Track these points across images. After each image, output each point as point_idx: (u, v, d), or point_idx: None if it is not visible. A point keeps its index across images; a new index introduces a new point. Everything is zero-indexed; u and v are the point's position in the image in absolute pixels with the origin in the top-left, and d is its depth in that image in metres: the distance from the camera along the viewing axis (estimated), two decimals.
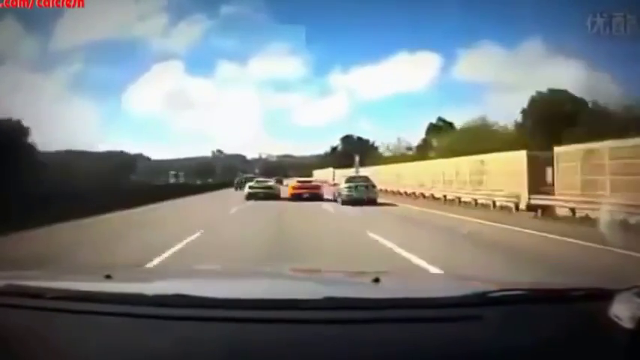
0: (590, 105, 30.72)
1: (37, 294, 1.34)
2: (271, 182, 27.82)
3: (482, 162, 22.52)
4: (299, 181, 26.68)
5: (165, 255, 7.72)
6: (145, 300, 1.32)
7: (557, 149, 17.48)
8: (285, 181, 35.25)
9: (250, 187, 25.65)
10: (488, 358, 1.14)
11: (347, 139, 69.32)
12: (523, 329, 1.20)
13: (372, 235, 10.18)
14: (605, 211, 10.66)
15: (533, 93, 34.79)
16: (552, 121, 29.17)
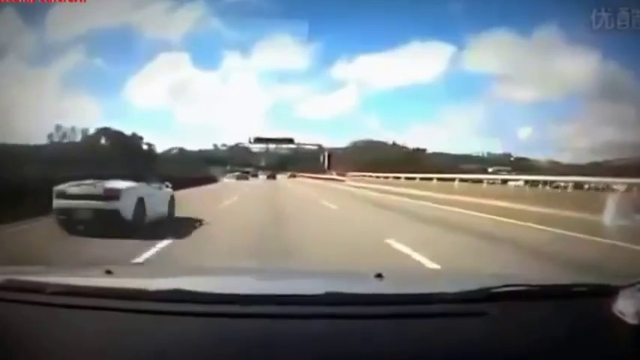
0: None
1: (38, 289, 1.34)
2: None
3: None
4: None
5: None
6: (146, 295, 1.32)
7: None
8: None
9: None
10: (492, 353, 1.12)
11: None
12: (526, 325, 1.19)
13: None
14: None
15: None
16: None
